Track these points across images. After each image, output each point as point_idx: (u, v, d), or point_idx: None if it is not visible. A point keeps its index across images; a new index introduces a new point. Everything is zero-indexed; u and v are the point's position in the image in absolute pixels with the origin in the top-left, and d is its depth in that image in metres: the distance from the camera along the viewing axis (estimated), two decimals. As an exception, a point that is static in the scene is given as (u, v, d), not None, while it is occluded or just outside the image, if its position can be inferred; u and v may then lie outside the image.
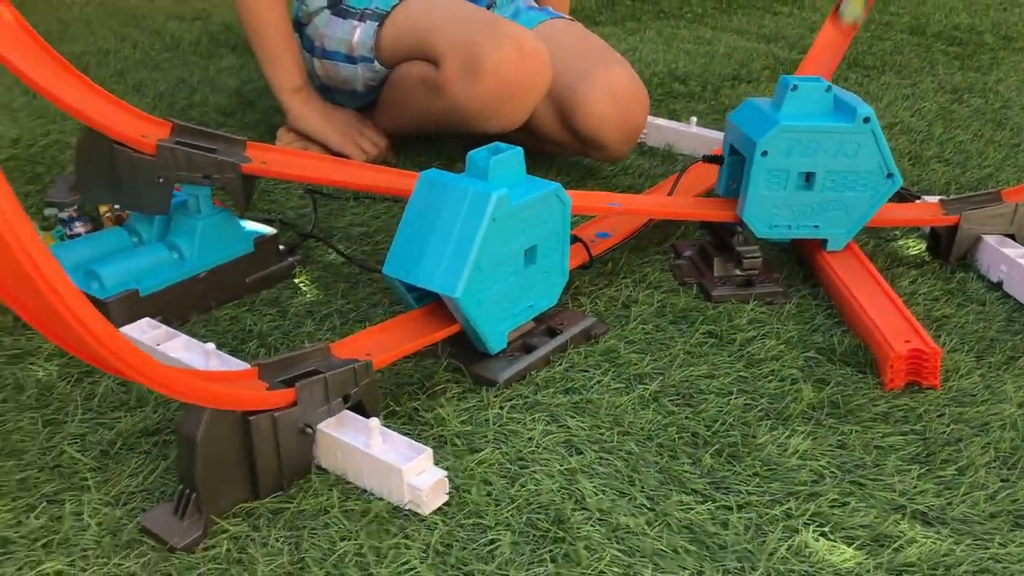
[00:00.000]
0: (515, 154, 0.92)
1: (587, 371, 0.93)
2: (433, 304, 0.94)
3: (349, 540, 0.71)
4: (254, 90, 1.76)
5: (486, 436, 0.82)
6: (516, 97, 1.22)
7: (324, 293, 1.07)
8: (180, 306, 1.00)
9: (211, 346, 0.86)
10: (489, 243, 0.87)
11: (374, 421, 0.76)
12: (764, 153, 1.03)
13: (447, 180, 0.89)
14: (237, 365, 0.86)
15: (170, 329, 0.92)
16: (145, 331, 0.92)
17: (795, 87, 1.05)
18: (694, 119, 1.54)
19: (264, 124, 1.59)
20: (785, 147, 1.03)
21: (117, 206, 1.15)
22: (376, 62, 1.34)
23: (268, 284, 1.08)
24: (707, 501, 0.76)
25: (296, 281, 1.10)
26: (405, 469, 0.73)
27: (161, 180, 0.99)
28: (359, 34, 1.35)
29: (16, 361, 0.92)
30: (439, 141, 1.51)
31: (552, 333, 0.97)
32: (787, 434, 0.84)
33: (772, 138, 1.03)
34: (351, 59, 1.37)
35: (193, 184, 1.01)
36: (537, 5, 1.54)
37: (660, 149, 1.54)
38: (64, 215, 1.20)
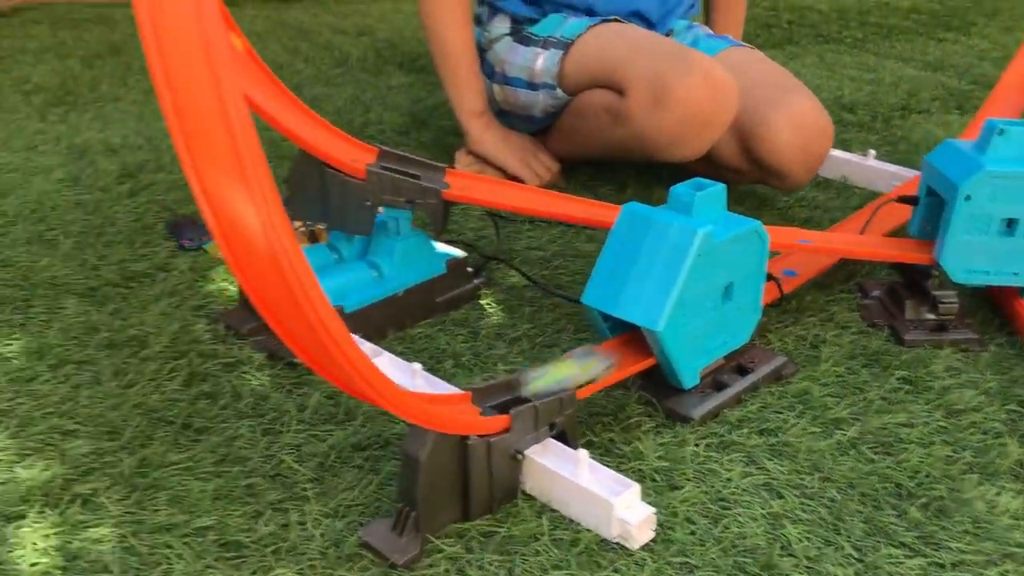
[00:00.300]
0: (718, 191, 0.92)
1: (781, 412, 0.92)
2: (627, 335, 0.95)
3: (561, 570, 0.72)
4: (424, 109, 1.82)
5: (685, 474, 0.83)
6: (702, 128, 1.23)
7: (510, 316, 1.10)
8: (379, 323, 1.04)
9: (417, 366, 0.90)
10: (691, 279, 0.88)
11: (583, 453, 0.78)
12: (967, 198, 1.01)
13: (651, 214, 0.91)
14: (441, 385, 0.89)
15: (375, 347, 0.96)
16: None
17: (1002, 131, 1.02)
18: (872, 152, 1.51)
19: (439, 144, 1.64)
20: (990, 192, 1.01)
21: (310, 222, 1.21)
22: (559, 89, 1.36)
23: (456, 304, 1.12)
24: (917, 556, 0.74)
25: (482, 302, 1.13)
26: (616, 503, 0.75)
27: (368, 203, 1.03)
28: (542, 61, 1.37)
29: (231, 369, 0.97)
30: (609, 166, 1.52)
31: (742, 371, 0.97)
32: (996, 491, 0.82)
33: (977, 183, 1.00)
34: (532, 86, 1.40)
35: (396, 207, 1.05)
36: (714, 32, 1.54)
37: (835, 181, 1.52)
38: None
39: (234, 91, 0.62)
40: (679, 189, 0.91)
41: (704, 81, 1.21)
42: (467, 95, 1.39)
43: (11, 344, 1.00)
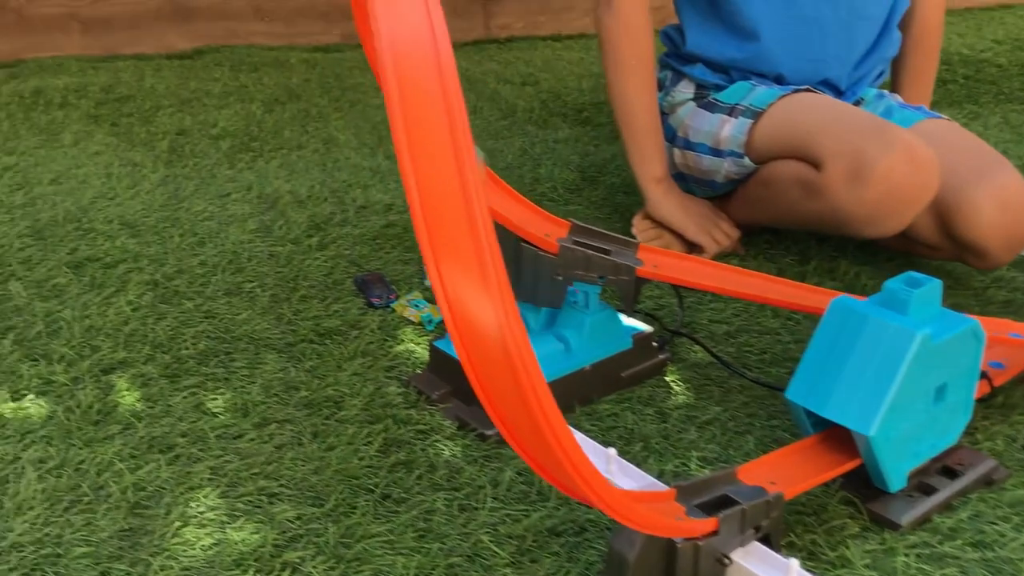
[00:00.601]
0: (934, 287, 0.89)
1: (996, 524, 0.87)
2: (830, 431, 0.92)
3: None
4: (593, 165, 1.82)
5: (896, 586, 0.80)
6: (903, 205, 1.19)
7: (698, 395, 1.08)
8: (566, 397, 1.04)
9: (612, 451, 0.89)
10: (906, 382, 0.84)
11: (794, 562, 0.75)
12: None
13: (865, 311, 0.88)
14: (635, 472, 0.88)
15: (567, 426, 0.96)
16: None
17: None
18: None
19: (610, 203, 1.64)
20: None
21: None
22: (746, 158, 1.34)
23: (642, 379, 1.11)
24: None
25: (668, 379, 1.12)
26: (831, 620, 0.72)
27: (560, 278, 1.04)
28: (729, 129, 1.36)
29: (424, 437, 0.99)
30: (789, 233, 1.48)
31: (950, 473, 0.93)
32: None
33: None
34: (717, 152, 1.38)
35: (587, 283, 1.05)
36: (903, 100, 1.49)
37: (1033, 261, 1.44)
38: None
39: (480, 191, 0.64)
40: (894, 285, 0.88)
41: (906, 158, 1.17)
42: (649, 162, 1.39)
43: (216, 399, 1.05)
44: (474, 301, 0.67)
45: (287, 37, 2.80)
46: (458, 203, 0.65)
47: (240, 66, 2.54)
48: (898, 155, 1.18)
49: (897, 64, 1.53)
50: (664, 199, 1.40)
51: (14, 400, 1.03)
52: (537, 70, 2.61)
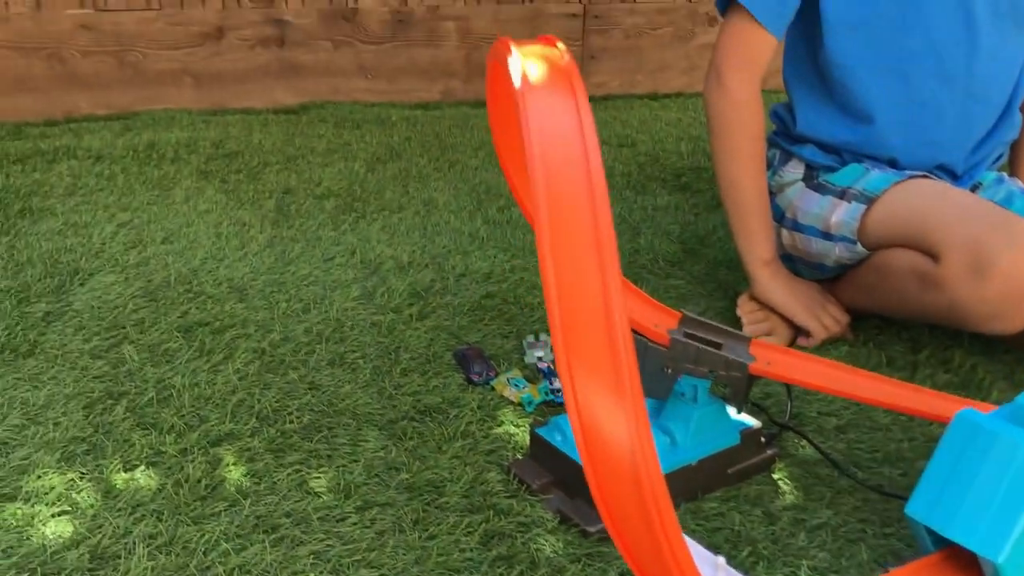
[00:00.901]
0: (1069, 404, 0.84)
1: None
2: (950, 550, 0.88)
3: None
4: (694, 236, 1.80)
5: None
6: (1027, 301, 1.14)
7: (807, 496, 1.05)
8: (671, 494, 1.01)
9: (721, 559, 0.87)
10: (1038, 505, 0.80)
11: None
12: None
13: (992, 427, 0.84)
14: (745, 583, 0.85)
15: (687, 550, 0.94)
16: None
17: None
18: None
19: (712, 279, 1.61)
20: None
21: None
22: (858, 244, 1.31)
23: (747, 476, 1.08)
24: None
25: (775, 476, 1.08)
26: None
27: (669, 371, 1.02)
28: (841, 213, 1.33)
29: (525, 530, 0.98)
30: (899, 320, 1.44)
31: (1082, 600, 0.87)
32: None
33: None
34: (828, 236, 1.35)
35: (696, 376, 1.03)
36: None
37: None
38: (545, 366, 1.29)
39: (621, 303, 0.63)
40: (1026, 401, 0.84)
41: (1030, 252, 1.13)
42: (757, 244, 1.36)
43: (320, 478, 1.06)
44: (606, 413, 0.66)
45: (388, 94, 2.87)
46: (599, 313, 0.64)
47: (344, 123, 2.60)
48: (1021, 249, 1.13)
49: (1017, 146, 1.48)
50: (771, 282, 1.37)
51: (126, 471, 1.06)
52: (634, 131, 2.61)
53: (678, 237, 1.80)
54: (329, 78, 2.82)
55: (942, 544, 0.88)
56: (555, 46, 0.69)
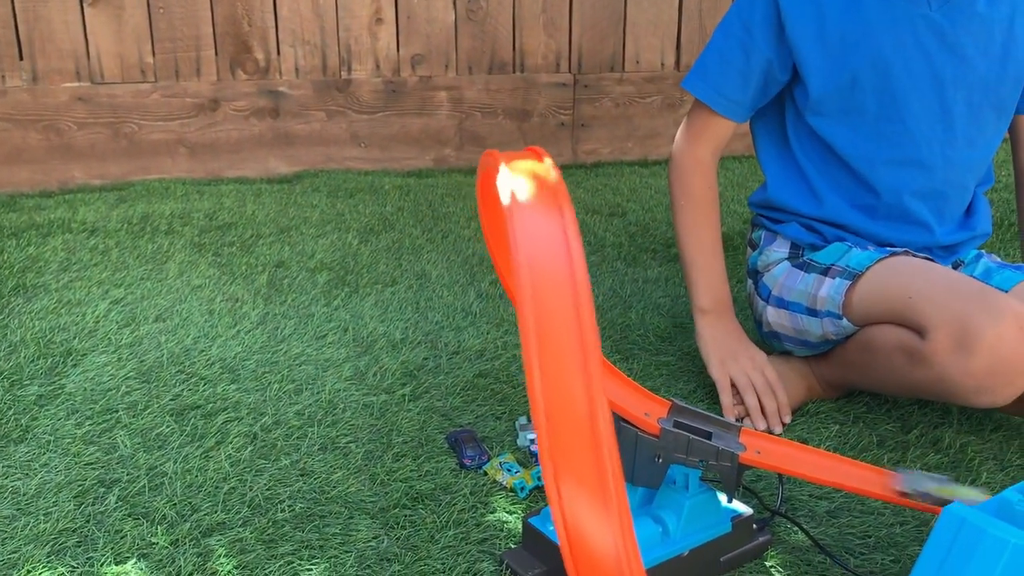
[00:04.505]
0: (1055, 499, 0.85)
1: None
2: (943, 644, 0.88)
3: None
4: (684, 310, 1.82)
5: None
6: (1013, 375, 1.16)
7: (799, 586, 1.05)
8: (663, 585, 1.02)
9: (714, 657, 0.87)
10: (1028, 602, 0.80)
11: None
12: None
13: (979, 523, 0.84)
14: None
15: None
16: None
17: None
18: None
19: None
20: None
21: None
22: (844, 319, 1.33)
23: (740, 563, 1.08)
24: None
25: (767, 564, 1.09)
26: None
27: (660, 460, 1.03)
28: (826, 289, 1.35)
29: (518, 624, 0.98)
30: (887, 398, 1.45)
31: None
32: None
33: None
34: (813, 312, 1.37)
35: (687, 466, 1.04)
36: (1003, 261, 1.47)
37: None
38: (538, 449, 1.29)
39: (607, 418, 0.64)
40: (1013, 496, 0.85)
41: (1016, 327, 1.15)
42: (695, 294, 1.45)
43: (311, 570, 1.05)
44: (592, 523, 0.67)
45: (382, 162, 2.90)
46: (585, 431, 0.65)
47: (337, 191, 2.63)
48: (1007, 324, 1.15)
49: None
50: (702, 329, 1.44)
51: (117, 563, 1.05)
52: (624, 199, 2.64)
53: (668, 311, 1.82)
54: (323, 147, 2.86)
55: (934, 640, 0.88)
56: (542, 160, 0.71)
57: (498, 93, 2.96)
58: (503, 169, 0.67)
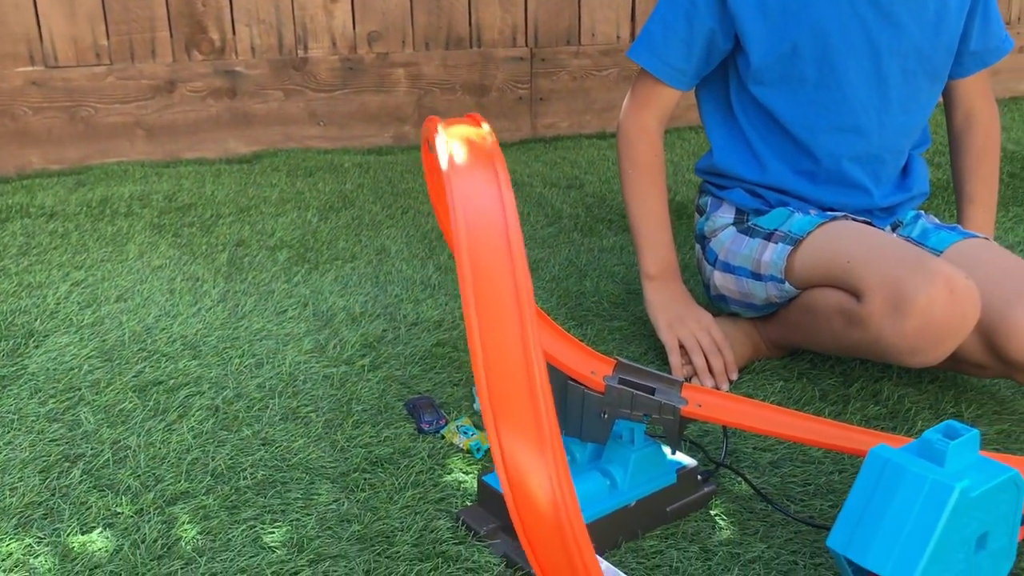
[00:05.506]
0: (972, 437, 0.91)
1: None
2: (872, 578, 0.93)
3: None
4: (637, 278, 1.85)
5: None
6: (943, 336, 1.21)
7: (742, 531, 1.10)
8: (612, 534, 1.07)
9: (657, 598, 0.91)
10: (945, 534, 0.86)
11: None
12: None
13: (901, 462, 0.90)
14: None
15: (611, 566, 0.98)
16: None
17: None
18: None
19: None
20: None
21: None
22: (787, 283, 1.37)
23: (685, 513, 1.13)
24: None
25: (712, 513, 1.14)
26: None
27: (605, 416, 1.07)
28: (769, 254, 1.40)
29: (472, 575, 1.02)
30: (832, 357, 1.50)
31: (995, 621, 0.93)
32: None
33: None
34: (758, 276, 1.42)
35: (632, 420, 1.08)
36: (966, 208, 1.53)
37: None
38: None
39: (543, 368, 0.68)
40: (932, 436, 0.90)
41: (945, 290, 1.20)
42: (642, 259, 1.51)
43: (273, 533, 1.09)
44: (531, 469, 0.71)
45: (341, 140, 2.92)
46: (521, 378, 0.69)
47: (296, 170, 2.64)
48: (938, 288, 1.20)
49: (959, 181, 1.56)
50: (650, 295, 1.50)
51: (83, 534, 1.08)
52: (582, 172, 2.68)
53: (622, 278, 1.86)
54: (281, 126, 2.86)
55: (861, 574, 0.93)
56: (479, 126, 0.74)
57: (456, 68, 2.98)
58: (441, 133, 0.71)
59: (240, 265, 1.91)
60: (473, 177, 0.69)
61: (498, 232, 0.67)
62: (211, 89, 2.77)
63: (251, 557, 1.05)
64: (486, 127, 0.76)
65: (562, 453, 0.67)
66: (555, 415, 0.67)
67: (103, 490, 1.16)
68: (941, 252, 1.39)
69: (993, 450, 1.26)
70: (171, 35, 2.71)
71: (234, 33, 2.77)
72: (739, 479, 1.19)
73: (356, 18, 2.86)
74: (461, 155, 0.70)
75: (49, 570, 1.02)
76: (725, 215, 1.50)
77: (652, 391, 1.09)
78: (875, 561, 0.87)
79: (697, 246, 1.58)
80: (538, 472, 0.67)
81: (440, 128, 0.74)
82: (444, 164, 0.70)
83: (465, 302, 0.68)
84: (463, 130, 0.74)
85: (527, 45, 3.04)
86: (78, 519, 1.11)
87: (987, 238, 1.44)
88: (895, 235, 1.48)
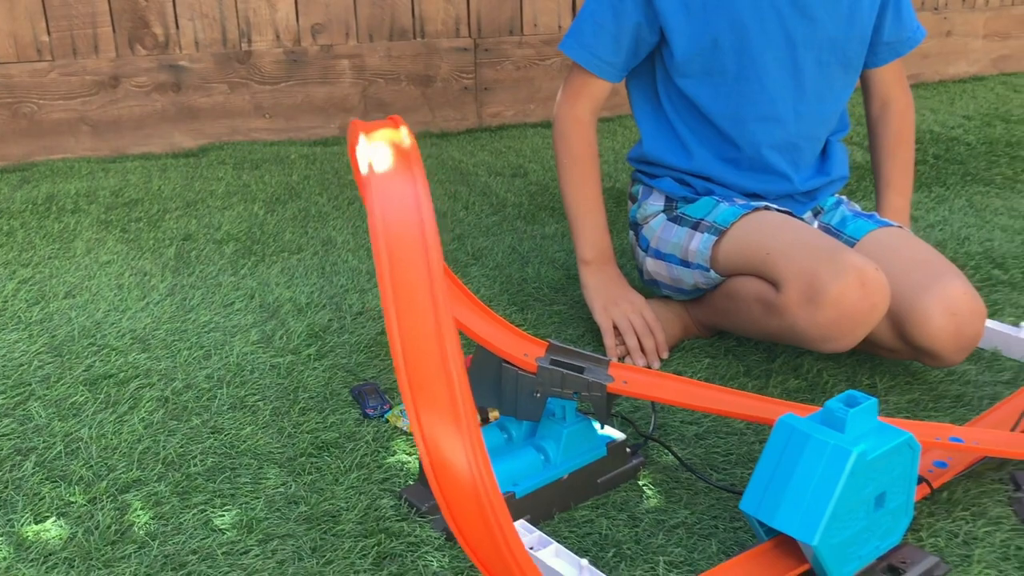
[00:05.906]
0: (870, 406, 0.98)
1: (935, 622, 0.95)
2: (782, 537, 1.01)
3: None
4: (576, 263, 1.93)
5: None
6: (854, 326, 1.28)
7: (668, 499, 1.17)
8: (546, 506, 1.13)
9: (584, 562, 0.98)
10: (845, 494, 0.93)
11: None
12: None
13: (805, 429, 0.97)
14: (606, 582, 0.97)
15: (543, 535, 1.05)
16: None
17: None
18: None
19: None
20: None
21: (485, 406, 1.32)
22: (712, 271, 1.45)
23: (615, 484, 1.20)
24: None
25: (641, 483, 1.21)
26: None
27: (538, 395, 1.14)
28: (696, 243, 1.47)
29: (415, 549, 1.08)
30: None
31: (894, 572, 1.01)
32: None
33: None
34: (686, 263, 1.49)
35: (563, 398, 1.15)
36: (885, 193, 1.61)
37: (986, 352, 1.53)
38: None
39: (458, 352, 0.74)
40: (834, 405, 0.98)
41: (856, 282, 1.27)
42: (578, 245, 1.58)
43: (224, 515, 1.14)
44: (448, 444, 0.77)
45: (286, 132, 2.94)
46: (436, 361, 0.75)
47: (243, 163, 2.66)
48: (849, 279, 1.27)
49: (877, 166, 1.64)
50: (586, 279, 1.57)
51: (37, 523, 1.12)
52: (527, 160, 2.74)
53: (563, 264, 1.93)
54: (227, 120, 2.88)
55: (772, 533, 1.01)
56: (398, 128, 0.80)
57: (400, 60, 3.02)
58: (361, 139, 0.76)
59: (187, 259, 1.94)
60: (391, 180, 0.74)
61: (415, 231, 0.73)
62: (156, 84, 2.78)
63: (202, 539, 1.09)
64: (404, 128, 0.81)
65: (478, 429, 0.73)
66: (470, 394, 0.73)
67: (56, 481, 1.20)
68: (858, 240, 1.47)
69: (904, 417, 1.35)
70: (114, 30, 2.71)
71: (177, 28, 2.78)
72: (666, 451, 1.27)
73: (299, 11, 2.89)
74: (381, 159, 0.76)
75: (3, 559, 1.06)
76: (656, 203, 1.57)
77: (581, 370, 1.15)
78: (782, 521, 0.95)
79: (631, 232, 1.65)
80: (455, 448, 0.73)
81: (361, 135, 0.79)
82: (363, 169, 0.76)
83: (383, 294, 0.74)
84: (383, 134, 0.79)
85: (470, 36, 3.09)
86: (31, 509, 1.15)
87: (901, 226, 1.52)
88: (815, 223, 1.56)
